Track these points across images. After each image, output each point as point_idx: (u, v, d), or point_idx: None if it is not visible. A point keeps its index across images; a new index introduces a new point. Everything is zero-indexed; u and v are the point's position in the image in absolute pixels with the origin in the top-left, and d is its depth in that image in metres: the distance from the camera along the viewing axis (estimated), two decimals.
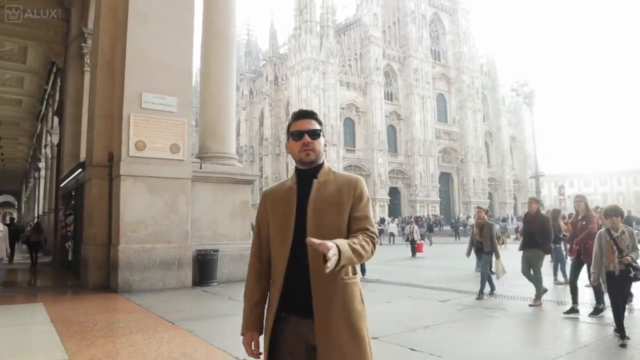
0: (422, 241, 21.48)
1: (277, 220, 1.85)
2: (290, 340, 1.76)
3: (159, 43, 9.44)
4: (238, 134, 73.26)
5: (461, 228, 38.13)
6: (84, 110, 14.55)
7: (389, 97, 64.57)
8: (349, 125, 61.54)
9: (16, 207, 71.37)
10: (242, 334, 1.90)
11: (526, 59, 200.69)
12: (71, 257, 12.33)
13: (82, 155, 13.83)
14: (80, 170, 10.84)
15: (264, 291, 1.91)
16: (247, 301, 1.93)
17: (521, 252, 7.39)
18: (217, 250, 9.54)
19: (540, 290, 7.00)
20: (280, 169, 64.38)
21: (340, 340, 1.71)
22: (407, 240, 21.35)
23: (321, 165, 1.88)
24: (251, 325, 1.89)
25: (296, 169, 1.91)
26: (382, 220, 45.73)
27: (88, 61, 15.13)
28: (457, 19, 70.51)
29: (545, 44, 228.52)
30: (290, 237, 1.78)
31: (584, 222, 6.50)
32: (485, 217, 8.47)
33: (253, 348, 1.86)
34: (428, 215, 52.97)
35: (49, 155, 23.82)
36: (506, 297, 7.93)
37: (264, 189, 2.02)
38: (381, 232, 34.33)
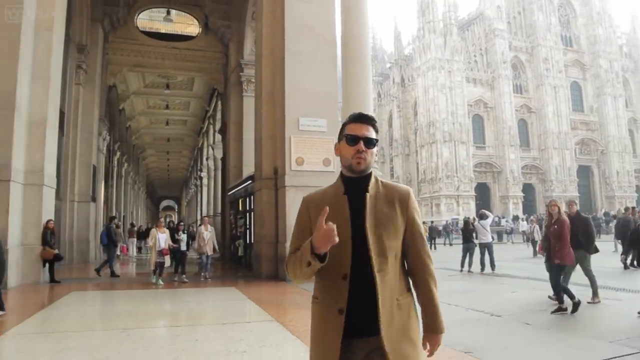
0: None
1: None
2: None
3: (309, 74, 11.37)
4: None
5: (603, 225, 32.93)
6: (244, 129, 17.40)
7: (518, 90, 61.56)
8: (478, 121, 60.01)
9: (176, 210, 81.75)
10: (311, 244, 1.62)
11: None
12: (241, 253, 15.01)
13: (245, 168, 16.60)
14: (249, 181, 13.32)
15: None
16: (297, 254, 1.73)
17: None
18: None
19: (596, 288, 7.08)
20: (410, 170, 64.93)
21: (408, 354, 1.68)
22: (527, 240, 20.29)
23: (370, 175, 1.77)
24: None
25: (342, 175, 1.81)
26: (515, 218, 44.13)
27: (246, 87, 18.03)
28: (589, 0, 64.48)
29: None
30: (350, 256, 1.67)
31: (555, 227, 6.65)
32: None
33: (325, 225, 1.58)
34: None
35: (212, 167, 28.01)
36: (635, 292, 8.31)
37: (304, 196, 1.90)
38: (512, 230, 33.46)
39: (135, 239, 22.40)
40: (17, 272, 9.71)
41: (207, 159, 30.38)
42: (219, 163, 24.14)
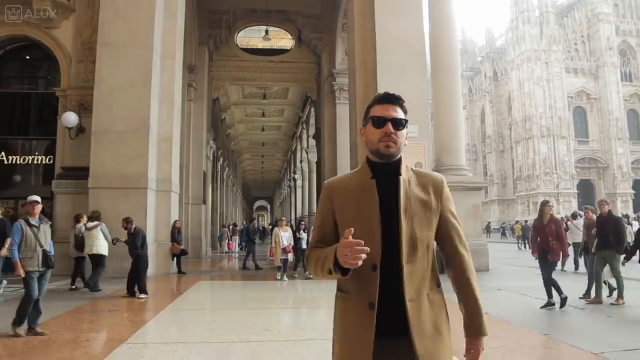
0: None
1: (353, 221, 1.53)
2: None
3: (400, 85, 12.00)
4: None
5: None
6: (338, 134, 18.51)
7: (627, 77, 56.84)
8: (580, 114, 56.41)
9: (269, 210, 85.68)
10: (335, 257, 1.43)
11: None
12: None
13: (339, 170, 17.66)
14: None
15: None
16: (319, 254, 1.57)
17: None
18: None
19: (622, 289, 7.12)
20: (505, 166, 62.59)
21: (439, 355, 1.53)
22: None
23: (399, 160, 1.63)
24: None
25: (368, 160, 1.66)
26: (626, 217, 41.02)
27: (338, 95, 19.14)
28: None
29: None
30: (379, 245, 1.51)
31: (553, 227, 6.92)
32: (594, 216, 8.10)
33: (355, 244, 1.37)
34: None
35: (305, 169, 29.64)
36: None
37: (326, 181, 1.77)
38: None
39: (237, 237, 24.54)
40: (153, 264, 11.48)
41: (300, 162, 32.08)
42: (313, 166, 25.56)
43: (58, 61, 13.08)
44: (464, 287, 1.60)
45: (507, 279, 10.28)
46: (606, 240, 7.22)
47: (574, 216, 12.24)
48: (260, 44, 22.84)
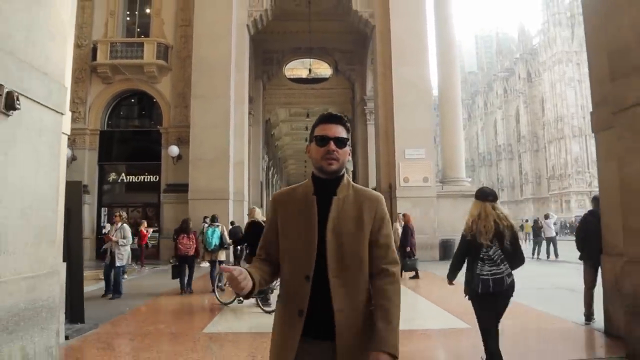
0: None
1: (293, 233, 1.74)
2: None
3: (412, 118, 16.08)
4: (495, 133, 75.97)
5: None
6: (369, 150, 22.62)
7: None
8: None
9: None
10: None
11: None
12: None
13: (370, 179, 21.78)
14: None
15: (264, 272, 1.77)
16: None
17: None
18: (453, 239, 15.55)
19: None
20: (540, 166, 64.22)
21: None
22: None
23: (341, 177, 1.76)
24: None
25: (313, 176, 1.79)
26: None
27: (369, 117, 23.25)
28: None
29: None
30: (314, 257, 1.66)
31: None
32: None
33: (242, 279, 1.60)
34: None
35: None
36: None
37: (273, 194, 1.93)
38: None
39: None
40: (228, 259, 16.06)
41: None
42: (350, 175, 29.69)
43: (160, 106, 17.91)
44: (379, 299, 1.67)
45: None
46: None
47: (546, 216, 15.86)
48: (304, 74, 27.26)
